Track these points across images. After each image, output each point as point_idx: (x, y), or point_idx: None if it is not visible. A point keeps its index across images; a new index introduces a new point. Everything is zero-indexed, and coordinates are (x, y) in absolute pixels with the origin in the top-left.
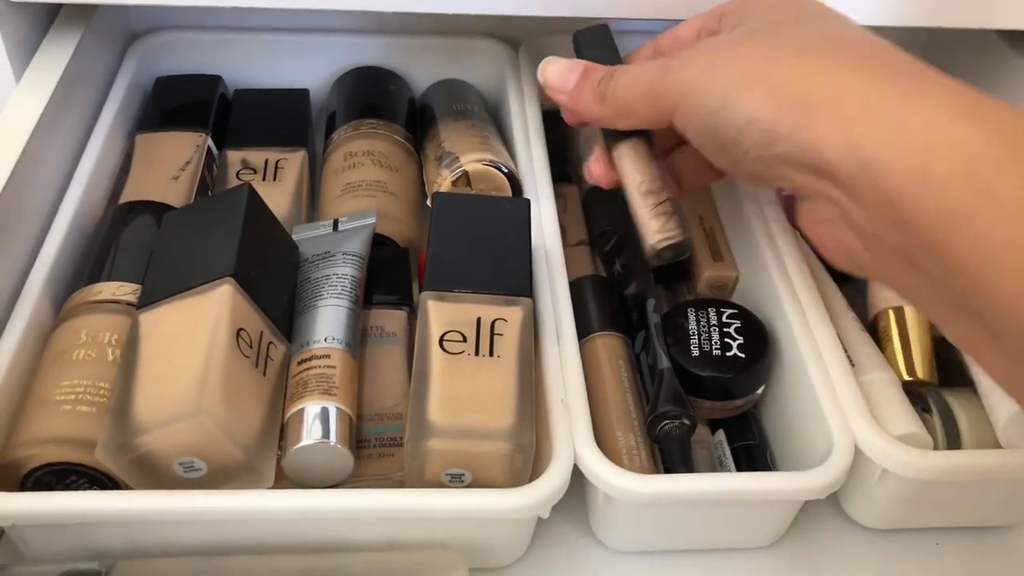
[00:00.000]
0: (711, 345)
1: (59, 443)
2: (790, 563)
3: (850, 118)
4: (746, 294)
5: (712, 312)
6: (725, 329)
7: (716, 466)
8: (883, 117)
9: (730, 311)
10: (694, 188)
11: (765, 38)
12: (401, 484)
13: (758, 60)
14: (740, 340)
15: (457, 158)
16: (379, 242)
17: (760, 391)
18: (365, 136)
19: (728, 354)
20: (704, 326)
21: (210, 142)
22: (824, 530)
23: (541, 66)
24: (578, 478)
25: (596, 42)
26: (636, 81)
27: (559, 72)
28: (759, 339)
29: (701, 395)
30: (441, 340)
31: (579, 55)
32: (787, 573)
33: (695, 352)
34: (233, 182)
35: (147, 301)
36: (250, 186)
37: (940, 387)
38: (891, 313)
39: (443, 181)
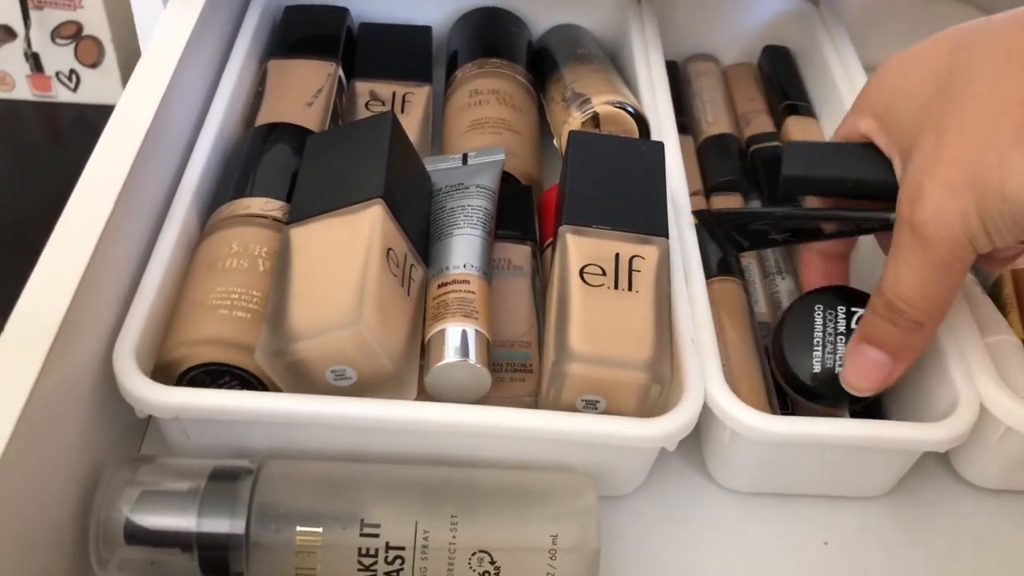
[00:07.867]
0: (834, 361)
1: (216, 344)
2: (899, 514)
3: None
4: (865, 252)
5: (841, 312)
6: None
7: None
8: None
9: (860, 312)
10: None
11: (985, 94)
12: (531, 407)
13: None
14: None
15: (588, 99)
16: (503, 179)
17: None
18: (489, 75)
19: None
20: (831, 332)
21: (340, 72)
22: (932, 486)
23: (844, 380)
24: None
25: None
26: (930, 274)
27: (865, 367)
28: None
29: (810, 399)
30: (582, 272)
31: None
32: (896, 524)
33: (815, 368)
34: (362, 112)
35: (298, 217)
36: (393, 114)
37: None
38: (1010, 275)
39: (573, 121)
